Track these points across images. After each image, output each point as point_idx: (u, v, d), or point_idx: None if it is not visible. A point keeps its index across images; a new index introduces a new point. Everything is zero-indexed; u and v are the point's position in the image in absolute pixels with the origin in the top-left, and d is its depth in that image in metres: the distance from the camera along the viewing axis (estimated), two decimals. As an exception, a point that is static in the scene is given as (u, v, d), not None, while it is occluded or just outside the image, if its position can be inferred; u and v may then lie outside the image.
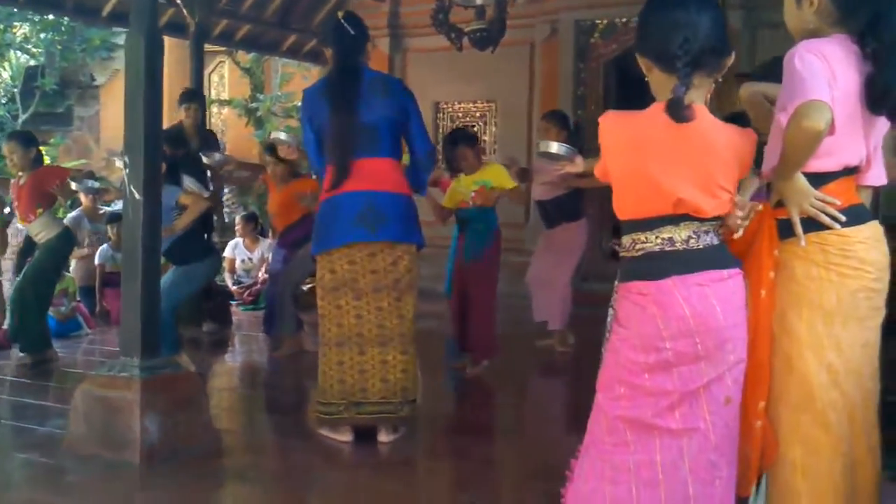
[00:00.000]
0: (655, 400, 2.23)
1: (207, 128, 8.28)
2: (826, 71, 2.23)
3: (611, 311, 2.45)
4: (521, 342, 6.73)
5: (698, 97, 2.23)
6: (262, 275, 9.56)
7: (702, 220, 2.25)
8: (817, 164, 2.34)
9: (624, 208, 2.34)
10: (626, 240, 2.34)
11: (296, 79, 14.99)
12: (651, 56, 2.29)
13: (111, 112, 15.09)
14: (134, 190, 4.04)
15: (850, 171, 2.41)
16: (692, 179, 2.21)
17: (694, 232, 2.24)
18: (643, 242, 2.28)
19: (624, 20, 9.01)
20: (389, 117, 4.09)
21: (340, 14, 4.15)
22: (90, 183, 7.03)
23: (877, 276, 2.38)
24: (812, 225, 2.37)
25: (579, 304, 6.63)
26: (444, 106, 9.92)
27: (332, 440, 4.19)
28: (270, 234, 8.77)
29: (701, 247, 2.24)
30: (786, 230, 2.41)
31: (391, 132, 4.12)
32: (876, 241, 2.40)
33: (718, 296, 2.21)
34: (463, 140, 5.82)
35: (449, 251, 6.15)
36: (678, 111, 2.15)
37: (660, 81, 2.28)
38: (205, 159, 7.39)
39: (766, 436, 2.40)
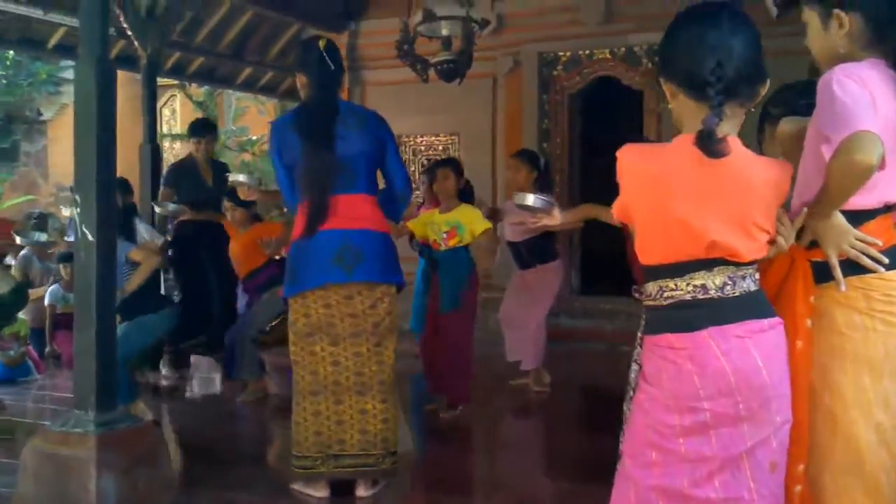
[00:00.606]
0: (692, 467, 1.98)
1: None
2: (867, 97, 2.04)
3: (634, 367, 2.22)
4: (495, 382, 6.51)
5: (731, 129, 2.00)
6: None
7: (738, 265, 2.01)
8: (856, 202, 2.13)
9: (649, 252, 2.09)
10: (651, 287, 2.10)
11: (250, 112, 14.75)
12: (677, 81, 2.05)
13: (59, 147, 14.71)
14: (87, 231, 3.76)
15: (889, 209, 2.21)
16: (727, 220, 1.98)
17: (729, 277, 2.00)
18: (672, 290, 2.03)
19: (587, 52, 8.91)
20: (366, 150, 3.87)
21: (322, 44, 3.90)
22: (36, 236, 6.72)
23: None
24: (851, 268, 2.16)
25: (551, 340, 6.47)
26: (406, 139, 9.71)
27: (306, 496, 3.90)
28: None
29: (738, 294, 2.01)
30: (822, 274, 2.20)
31: (368, 166, 3.90)
32: None
33: (761, 349, 1.98)
34: (450, 163, 5.66)
35: (415, 286, 5.94)
36: (711, 145, 1.92)
37: (686, 110, 2.04)
38: (157, 209, 7.08)
39: (805, 501, 2.18)
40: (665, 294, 2.05)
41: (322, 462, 3.84)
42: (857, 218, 2.17)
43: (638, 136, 9.02)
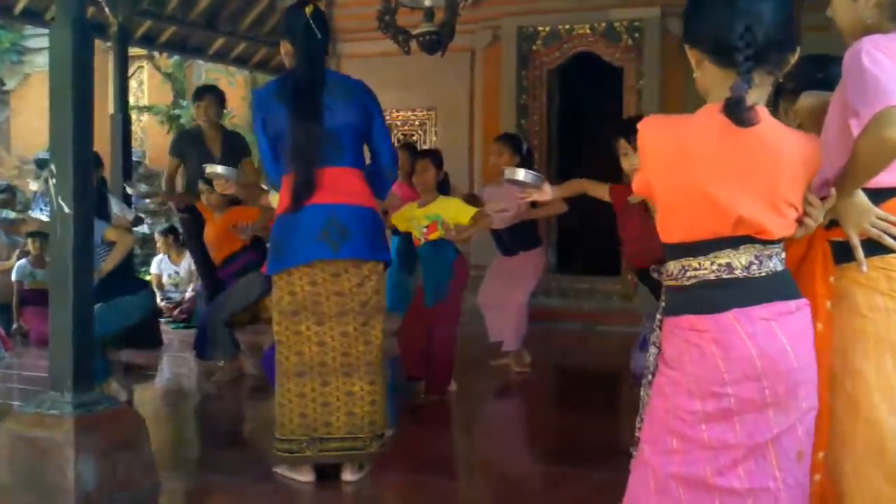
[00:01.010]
0: (715, 455, 1.90)
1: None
2: None
3: (653, 349, 2.12)
4: (475, 363, 6.42)
5: (759, 98, 1.90)
6: (191, 290, 9.08)
7: (765, 243, 1.92)
8: (878, 179, 2.06)
9: (672, 230, 1.99)
10: (673, 266, 2.00)
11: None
12: (704, 47, 1.94)
13: (22, 119, 14.38)
14: (63, 203, 3.58)
15: None
16: (755, 195, 1.88)
17: (756, 256, 1.91)
18: (696, 269, 1.94)
19: (567, 27, 8.80)
20: (353, 122, 3.74)
21: (309, 10, 3.75)
22: (3, 213, 6.50)
23: None
24: (872, 248, 2.09)
25: (529, 320, 6.37)
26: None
27: (290, 480, 3.79)
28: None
29: (764, 274, 1.92)
30: (841, 254, 2.13)
31: (354, 139, 3.77)
32: None
33: (788, 332, 1.90)
34: (429, 154, 5.50)
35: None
36: (740, 113, 1.82)
37: (713, 78, 1.94)
38: (128, 189, 6.84)
39: (825, 492, 2.11)
40: (688, 274, 1.95)
41: (307, 445, 3.73)
42: (879, 196, 2.10)
43: (617, 113, 8.97)
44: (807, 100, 2.34)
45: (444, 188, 5.54)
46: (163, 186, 7.20)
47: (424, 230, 5.30)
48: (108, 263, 5.04)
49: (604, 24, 8.63)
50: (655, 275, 2.08)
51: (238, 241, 6.00)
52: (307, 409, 3.71)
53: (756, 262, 1.91)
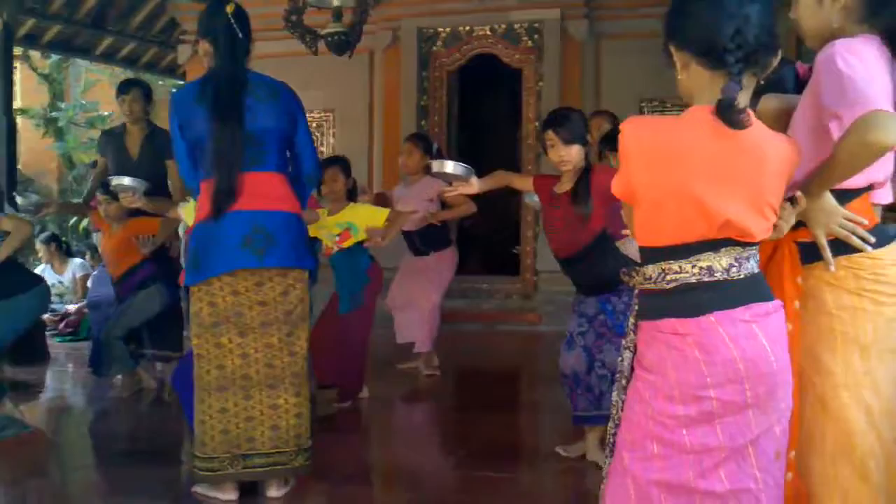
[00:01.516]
0: (697, 458, 1.87)
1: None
2: (873, 74, 1.97)
3: (627, 354, 2.07)
4: (384, 367, 6.32)
5: (746, 101, 1.88)
6: (76, 302, 8.67)
7: (744, 245, 1.90)
8: (847, 181, 2.07)
9: (655, 233, 1.94)
10: (651, 270, 1.95)
11: (102, 85, 13.92)
12: (692, 49, 1.91)
13: None
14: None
15: (869, 188, 2.16)
16: (742, 198, 1.86)
17: (736, 259, 1.89)
18: (676, 273, 1.90)
19: (467, 29, 8.80)
20: (277, 126, 3.58)
21: (230, 9, 3.57)
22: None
23: None
24: (838, 248, 2.11)
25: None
26: (278, 116, 9.33)
27: (212, 499, 3.59)
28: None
29: (743, 276, 1.90)
30: (808, 254, 2.14)
31: (279, 142, 3.61)
32: None
33: (767, 333, 1.88)
34: (338, 162, 5.36)
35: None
36: (733, 115, 1.80)
37: (699, 80, 1.91)
38: (19, 200, 6.43)
39: (797, 491, 2.10)
40: (668, 277, 1.91)
41: (230, 463, 3.54)
42: (844, 197, 2.11)
43: (517, 115, 9.01)
44: (771, 102, 2.33)
45: (352, 195, 5.42)
46: (89, 186, 6.71)
47: (337, 238, 5.17)
48: (2, 251, 4.68)
49: (504, 26, 8.66)
50: (626, 279, 2.02)
51: (137, 254, 5.68)
52: (230, 424, 3.53)
53: (736, 264, 1.89)
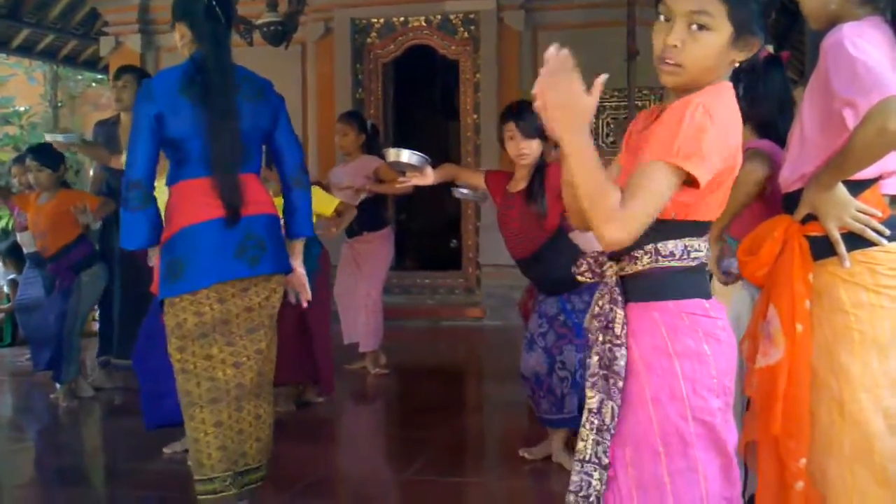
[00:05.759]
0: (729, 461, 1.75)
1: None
2: (885, 59, 1.89)
3: (622, 352, 1.75)
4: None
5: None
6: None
7: None
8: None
9: (704, 209, 1.74)
10: (673, 245, 1.72)
11: (17, 80, 13.35)
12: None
13: None
14: None
15: (877, 179, 2.08)
16: None
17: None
18: (697, 251, 1.75)
19: (402, 20, 8.64)
20: (260, 125, 3.31)
21: None
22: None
23: None
24: (852, 242, 2.02)
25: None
26: (207, 109, 9.05)
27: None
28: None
29: None
30: (820, 249, 2.04)
31: (259, 143, 3.37)
32: None
33: None
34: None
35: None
36: None
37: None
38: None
39: (809, 500, 2.02)
40: (692, 254, 1.74)
41: (232, 482, 3.24)
42: (855, 188, 2.03)
43: (454, 106, 8.89)
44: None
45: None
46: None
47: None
48: None
49: (439, 17, 8.53)
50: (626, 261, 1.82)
51: (74, 228, 5.34)
52: (226, 439, 3.23)
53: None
